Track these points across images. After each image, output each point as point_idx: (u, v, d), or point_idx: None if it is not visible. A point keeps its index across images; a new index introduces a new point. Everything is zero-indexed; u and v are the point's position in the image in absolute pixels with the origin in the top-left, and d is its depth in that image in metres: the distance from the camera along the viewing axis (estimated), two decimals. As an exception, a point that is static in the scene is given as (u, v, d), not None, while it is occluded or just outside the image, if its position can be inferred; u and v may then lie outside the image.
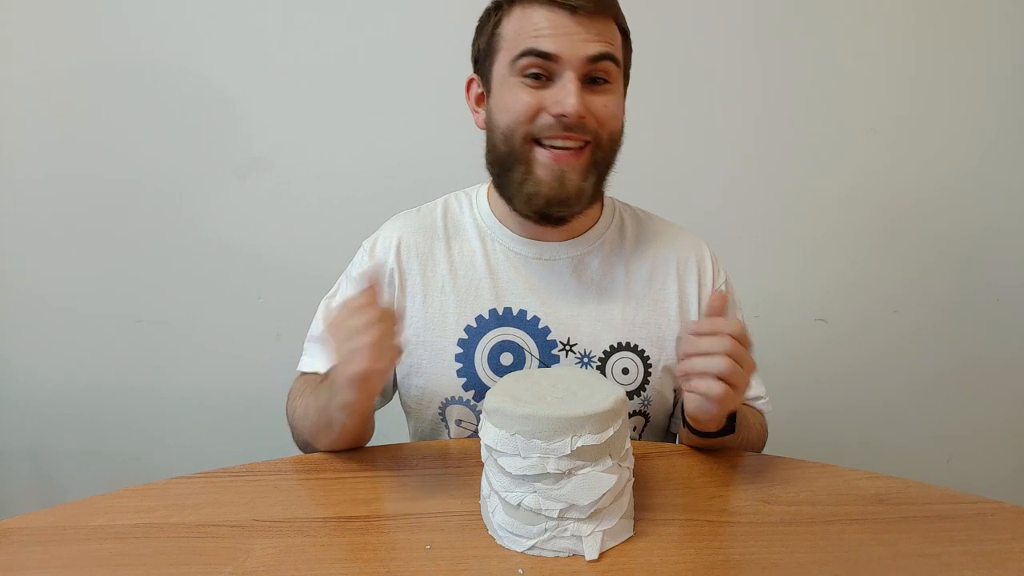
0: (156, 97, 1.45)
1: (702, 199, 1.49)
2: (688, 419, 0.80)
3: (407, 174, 1.47)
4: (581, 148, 0.82)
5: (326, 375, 0.81)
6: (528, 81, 0.81)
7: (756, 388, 0.96)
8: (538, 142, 0.82)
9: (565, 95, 0.78)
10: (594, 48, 0.79)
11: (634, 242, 0.94)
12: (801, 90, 1.50)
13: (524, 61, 0.80)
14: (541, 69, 0.80)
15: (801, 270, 1.59)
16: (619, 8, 0.84)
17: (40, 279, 1.53)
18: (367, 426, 0.84)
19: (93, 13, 1.41)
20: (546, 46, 0.79)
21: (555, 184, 0.82)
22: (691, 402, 0.76)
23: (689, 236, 0.97)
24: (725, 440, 0.82)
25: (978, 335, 1.63)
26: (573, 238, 0.91)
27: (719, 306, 0.74)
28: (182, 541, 0.66)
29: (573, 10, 0.78)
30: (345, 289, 0.94)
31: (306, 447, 0.87)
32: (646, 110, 1.43)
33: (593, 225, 0.93)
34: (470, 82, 0.91)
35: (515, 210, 0.87)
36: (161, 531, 0.67)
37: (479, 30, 0.88)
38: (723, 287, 0.95)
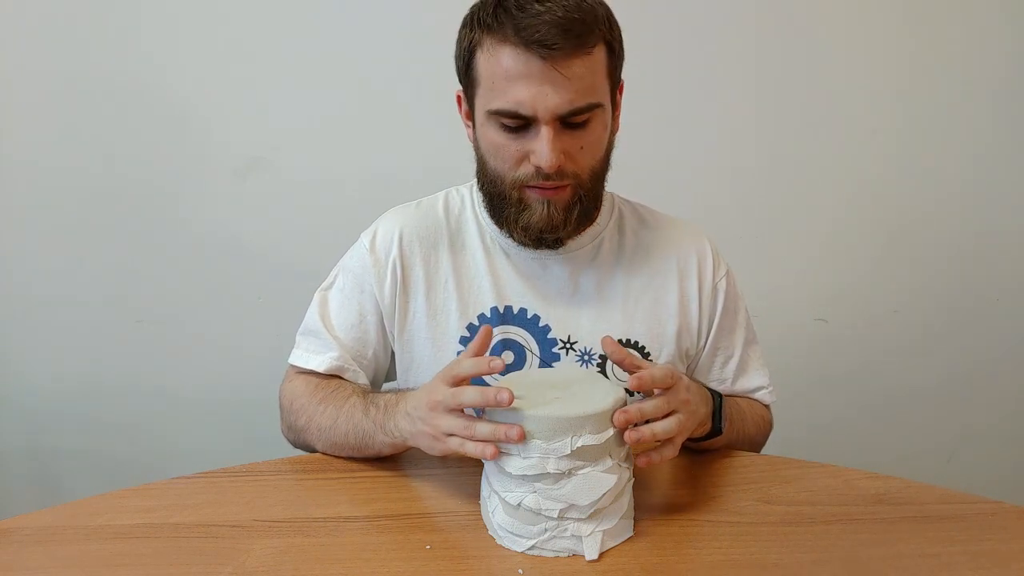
0: (156, 96, 1.45)
1: (702, 198, 1.49)
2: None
3: (407, 174, 1.47)
4: (563, 188, 0.82)
5: (372, 402, 0.80)
6: (506, 130, 0.79)
7: (758, 379, 0.96)
8: (525, 187, 0.82)
9: (540, 150, 0.77)
10: (568, 103, 0.75)
11: (634, 238, 0.94)
12: (802, 90, 1.50)
13: (498, 116, 0.78)
14: (516, 124, 0.78)
15: (801, 270, 1.59)
16: (600, 23, 0.77)
17: (40, 279, 1.53)
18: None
19: (93, 12, 1.41)
20: (518, 107, 0.75)
21: (545, 216, 0.82)
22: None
23: (689, 230, 0.97)
24: (718, 440, 0.82)
25: (978, 335, 1.63)
26: (574, 238, 0.91)
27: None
28: (182, 541, 0.66)
29: (544, 56, 0.73)
30: (342, 282, 0.93)
31: (306, 449, 0.87)
32: (648, 110, 1.43)
33: (593, 223, 0.93)
34: (459, 97, 0.88)
35: (511, 237, 0.87)
36: (161, 531, 0.67)
37: (457, 45, 0.84)
38: (723, 282, 0.95)
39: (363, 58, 1.45)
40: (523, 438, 0.62)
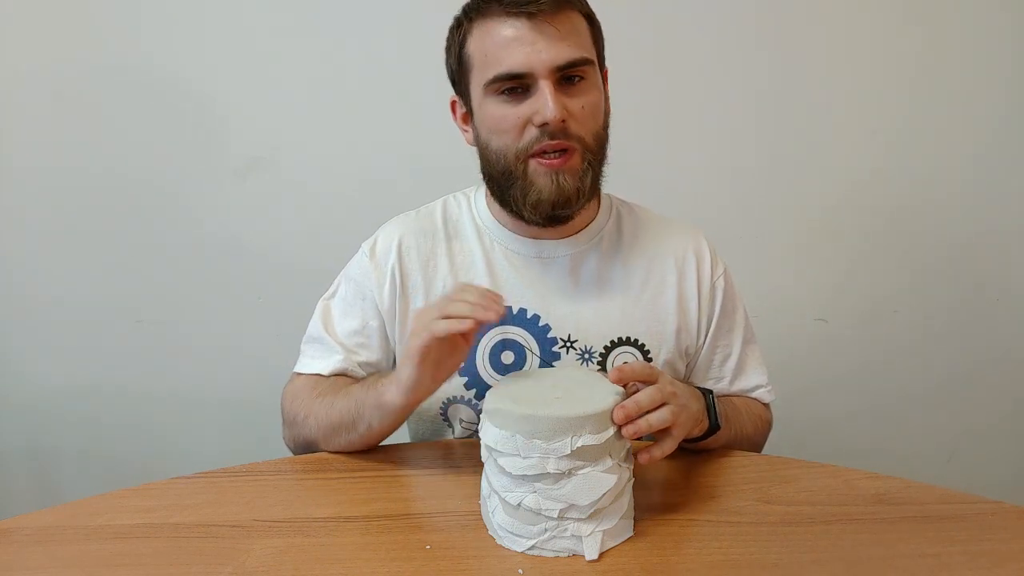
0: (156, 96, 1.45)
1: (702, 199, 1.49)
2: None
3: (407, 174, 1.47)
4: (570, 152, 0.82)
5: (372, 376, 0.82)
6: (505, 97, 0.81)
7: (757, 378, 0.96)
8: (531, 156, 0.82)
9: (543, 104, 0.78)
10: (562, 55, 0.78)
11: (632, 238, 0.95)
12: (801, 90, 1.50)
13: (496, 84, 0.80)
14: (515, 85, 0.80)
15: (801, 270, 1.59)
16: None
17: (40, 279, 1.53)
18: (387, 435, 0.83)
19: (94, 12, 1.41)
20: (514, 66, 0.78)
21: (554, 189, 0.82)
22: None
23: (686, 229, 0.97)
24: (717, 439, 0.82)
25: (978, 335, 1.63)
26: (571, 236, 0.92)
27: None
28: (182, 541, 0.66)
29: (531, 15, 0.77)
30: (344, 291, 0.94)
31: (306, 447, 0.87)
32: (647, 110, 1.43)
33: (591, 222, 0.93)
34: (453, 104, 0.91)
35: (522, 219, 0.87)
36: (161, 531, 0.67)
37: (448, 51, 0.87)
38: (721, 280, 0.95)
39: (364, 58, 1.45)
40: (500, 315, 0.68)
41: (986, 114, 1.52)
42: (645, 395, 0.68)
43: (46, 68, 1.43)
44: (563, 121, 0.79)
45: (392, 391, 0.75)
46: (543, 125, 0.79)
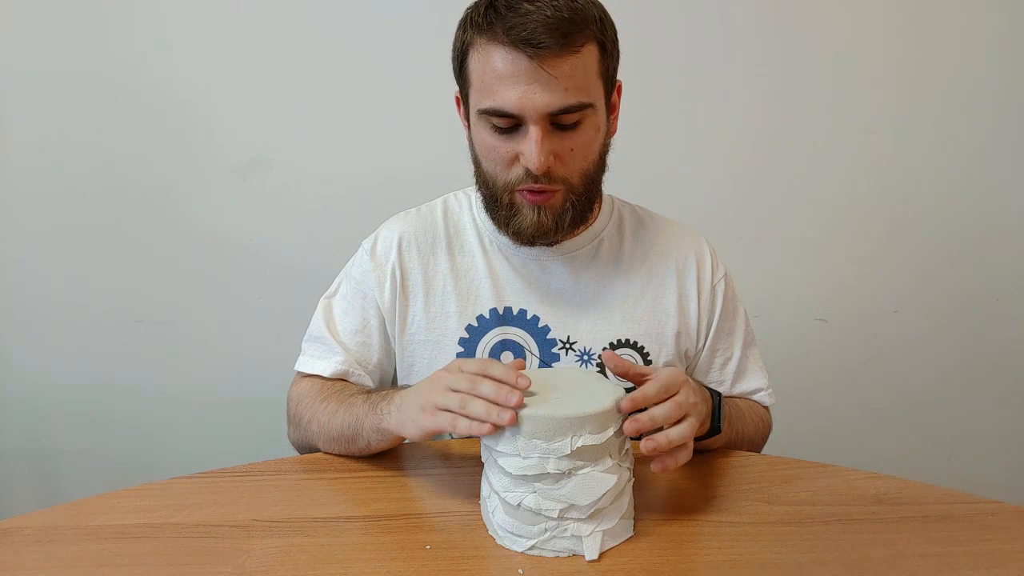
0: (156, 96, 1.45)
1: (702, 199, 1.49)
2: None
3: (407, 174, 1.47)
4: (551, 194, 0.81)
5: (377, 393, 0.81)
6: (496, 130, 0.79)
7: (756, 381, 0.96)
8: (516, 190, 0.82)
9: (528, 151, 0.77)
10: (556, 101, 0.75)
11: (632, 239, 0.94)
12: (801, 90, 1.50)
13: (487, 115, 0.78)
14: (506, 124, 0.78)
15: (801, 270, 1.59)
16: (591, 23, 0.77)
17: (40, 278, 1.53)
18: (385, 449, 0.83)
19: (94, 12, 1.41)
20: (506, 106, 0.76)
21: (536, 222, 0.82)
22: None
23: (688, 233, 0.97)
24: (716, 440, 0.82)
25: (978, 335, 1.63)
26: (572, 237, 0.91)
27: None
28: (182, 541, 0.66)
29: (533, 55, 0.73)
30: (345, 290, 0.94)
31: (309, 448, 0.87)
32: (647, 110, 1.43)
33: (591, 224, 0.93)
34: (458, 98, 0.89)
35: (506, 236, 0.87)
36: (161, 531, 0.67)
37: (453, 46, 0.84)
38: (722, 283, 0.95)
39: (364, 58, 1.45)
40: (514, 421, 0.62)
41: (987, 114, 1.52)
42: (662, 412, 0.66)
43: (46, 67, 1.43)
44: (548, 169, 0.78)
45: (392, 422, 0.74)
46: (528, 169, 0.78)
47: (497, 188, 0.83)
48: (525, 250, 0.91)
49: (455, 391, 0.67)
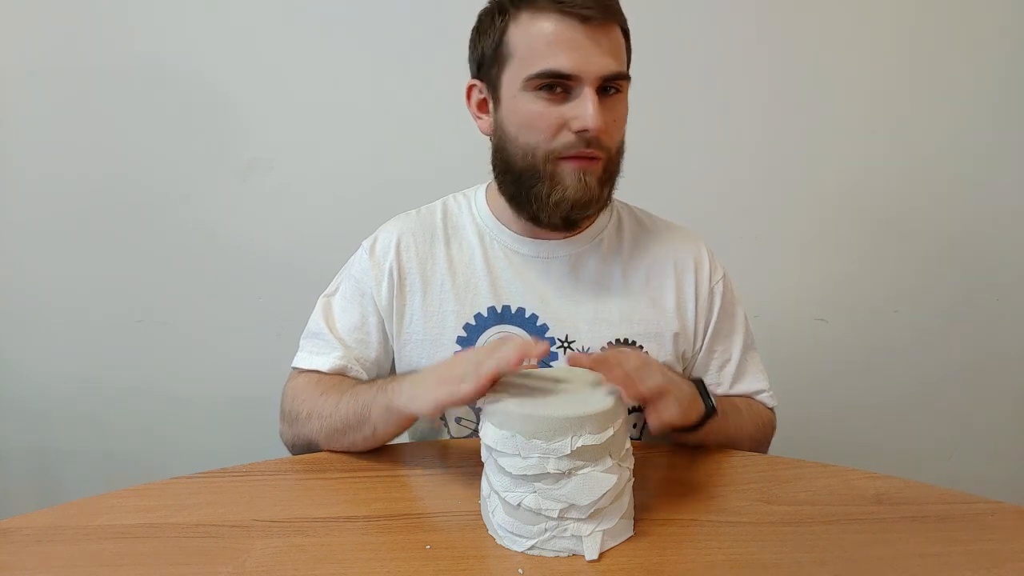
0: (156, 96, 1.45)
1: (702, 199, 1.49)
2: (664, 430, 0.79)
3: (408, 174, 1.47)
4: (597, 161, 0.83)
5: (380, 380, 0.82)
6: (544, 94, 0.80)
7: (756, 383, 0.96)
8: (561, 159, 0.82)
9: (585, 112, 0.78)
10: (610, 66, 0.79)
11: (632, 240, 0.95)
12: (801, 90, 1.50)
13: (538, 80, 0.79)
14: (558, 84, 0.79)
15: (801, 270, 1.59)
16: (621, 11, 0.83)
17: (40, 279, 1.53)
18: (389, 439, 0.83)
19: (94, 12, 1.41)
20: (564, 66, 0.77)
21: (580, 188, 0.82)
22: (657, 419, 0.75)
23: (686, 235, 0.97)
24: (716, 431, 0.82)
25: (978, 335, 1.63)
26: (571, 236, 0.92)
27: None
28: (182, 541, 0.66)
29: (585, 20, 0.77)
30: (345, 288, 0.94)
31: (306, 447, 0.87)
32: (647, 110, 1.42)
33: (591, 224, 0.93)
34: (470, 88, 0.89)
35: (534, 219, 0.87)
36: (161, 531, 0.67)
37: (480, 33, 0.86)
38: (720, 285, 0.95)
39: (366, 59, 1.45)
40: (547, 351, 0.67)
41: (985, 113, 1.52)
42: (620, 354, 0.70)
43: (46, 67, 1.43)
44: (602, 132, 0.80)
45: (404, 399, 0.75)
46: (581, 131, 0.79)
47: (538, 159, 0.82)
48: (525, 248, 0.91)
49: (474, 361, 0.69)
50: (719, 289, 0.95)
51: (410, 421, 0.80)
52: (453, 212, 0.96)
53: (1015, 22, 1.48)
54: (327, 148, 1.49)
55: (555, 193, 0.83)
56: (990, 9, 1.47)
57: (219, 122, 1.47)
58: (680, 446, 0.84)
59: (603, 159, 0.82)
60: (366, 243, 0.95)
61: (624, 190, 0.98)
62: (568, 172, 0.82)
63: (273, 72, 1.45)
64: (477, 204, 0.96)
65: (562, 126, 0.80)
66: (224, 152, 1.48)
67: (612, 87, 0.81)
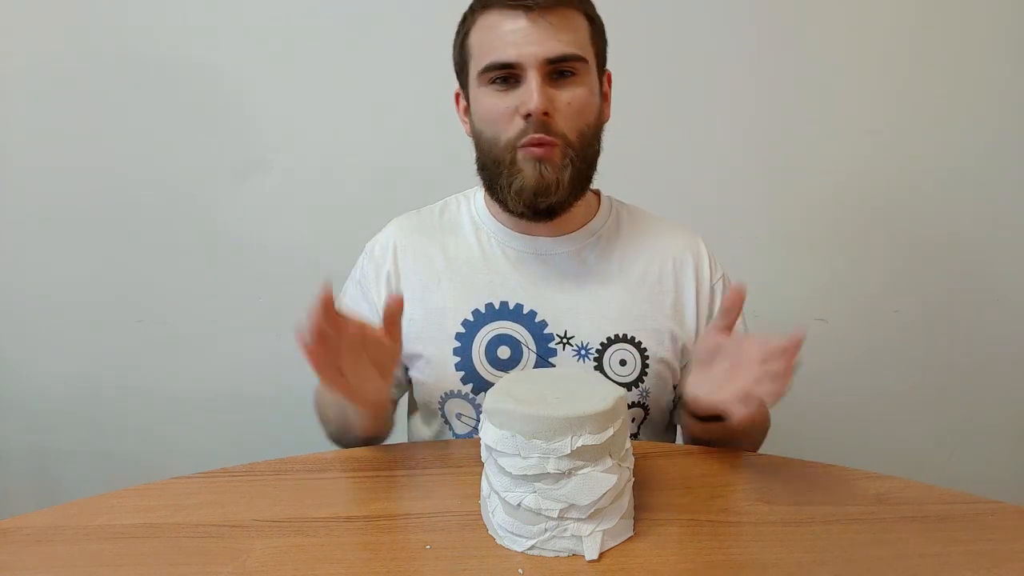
0: (157, 96, 1.45)
1: (701, 198, 1.49)
2: (694, 407, 0.80)
3: (409, 175, 1.47)
4: (551, 147, 0.83)
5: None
6: (497, 87, 0.83)
7: None
8: (519, 147, 0.83)
9: (527, 95, 0.80)
10: (552, 49, 0.80)
11: (630, 238, 0.95)
12: (799, 89, 1.50)
13: (489, 74, 0.83)
14: (506, 75, 0.82)
15: (801, 270, 1.59)
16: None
17: (40, 278, 1.53)
18: (382, 424, 0.86)
19: (96, 10, 1.41)
20: (506, 56, 0.81)
21: (536, 175, 0.83)
22: (711, 393, 0.75)
23: (685, 233, 0.98)
24: (735, 428, 0.81)
25: (978, 335, 1.63)
26: (569, 233, 0.92)
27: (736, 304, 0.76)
28: (182, 541, 0.66)
29: (528, 9, 0.80)
30: (351, 291, 0.97)
31: (338, 444, 0.90)
32: (644, 109, 1.43)
33: (589, 221, 0.94)
34: (457, 95, 0.94)
35: (509, 211, 0.89)
36: (161, 531, 0.67)
37: (454, 43, 0.90)
38: (720, 284, 0.95)
39: (366, 59, 1.45)
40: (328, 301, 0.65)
41: (986, 113, 1.52)
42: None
43: (48, 65, 1.43)
44: (546, 114, 0.81)
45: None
46: (527, 116, 0.81)
47: (500, 150, 0.84)
48: (522, 245, 0.91)
49: None
50: (720, 287, 0.95)
51: (374, 415, 0.82)
52: (452, 211, 0.98)
53: (1015, 22, 1.48)
54: (329, 148, 1.49)
55: (516, 181, 0.84)
56: (990, 8, 1.47)
57: (220, 122, 1.47)
58: (679, 446, 0.85)
59: (558, 145, 0.83)
60: (368, 245, 0.97)
61: (624, 190, 0.98)
62: (524, 160, 0.83)
63: (275, 72, 1.45)
64: (476, 204, 0.97)
65: (513, 114, 0.82)
66: (225, 152, 1.48)
67: (566, 70, 0.82)
